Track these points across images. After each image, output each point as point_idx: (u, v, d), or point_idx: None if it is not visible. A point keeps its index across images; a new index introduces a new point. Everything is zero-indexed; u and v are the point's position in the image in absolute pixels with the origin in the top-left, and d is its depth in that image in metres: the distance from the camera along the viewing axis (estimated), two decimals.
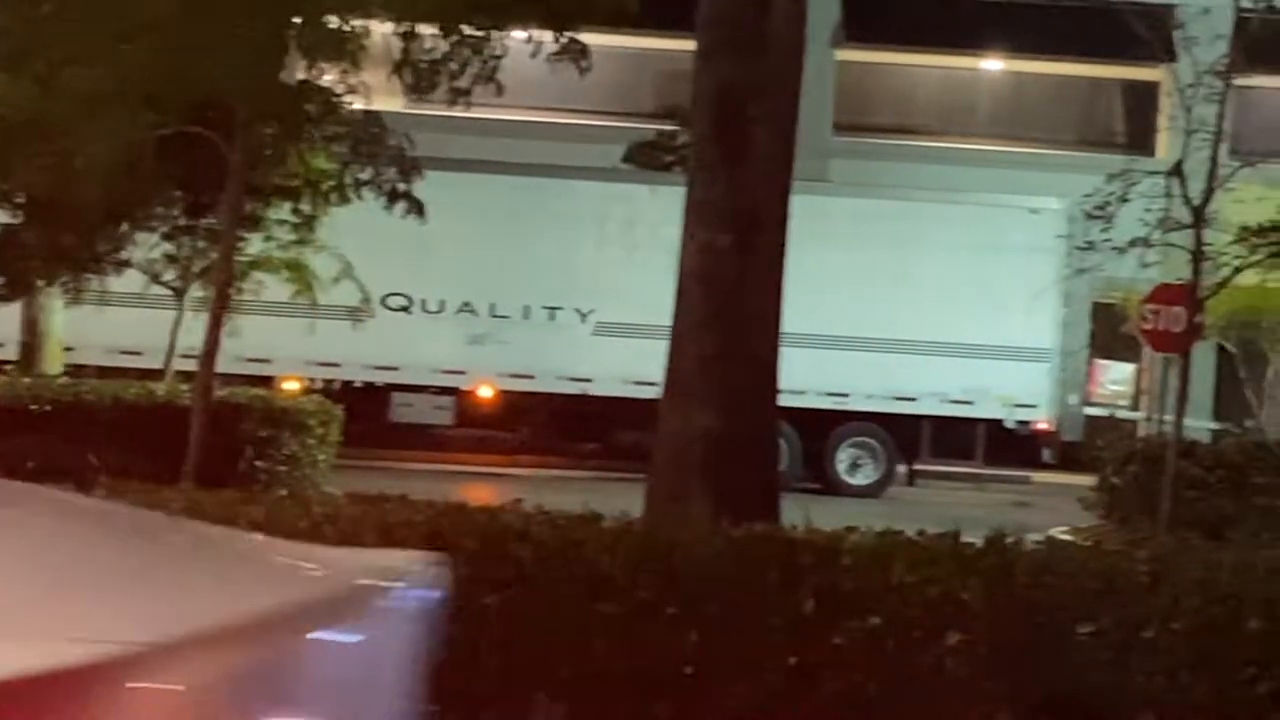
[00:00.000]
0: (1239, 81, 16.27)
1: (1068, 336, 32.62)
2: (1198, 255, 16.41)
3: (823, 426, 32.06)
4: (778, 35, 12.27)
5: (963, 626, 9.24)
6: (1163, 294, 25.96)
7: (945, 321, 31.35)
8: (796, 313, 33.81)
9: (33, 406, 22.12)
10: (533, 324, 32.21)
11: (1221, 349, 34.69)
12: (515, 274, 31.65)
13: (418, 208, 15.01)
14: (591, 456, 32.97)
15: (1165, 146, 39.25)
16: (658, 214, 32.08)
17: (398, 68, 11.64)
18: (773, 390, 13.02)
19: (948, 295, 31.28)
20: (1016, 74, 41.23)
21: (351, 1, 10.77)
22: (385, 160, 13.68)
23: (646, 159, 36.69)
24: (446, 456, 32.56)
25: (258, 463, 23.02)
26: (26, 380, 24.28)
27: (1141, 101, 40.15)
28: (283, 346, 29.39)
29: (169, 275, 24.33)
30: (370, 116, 14.10)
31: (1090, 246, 19.16)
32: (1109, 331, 35.56)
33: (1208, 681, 9.14)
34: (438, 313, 32.07)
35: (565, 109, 36.47)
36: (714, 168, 12.52)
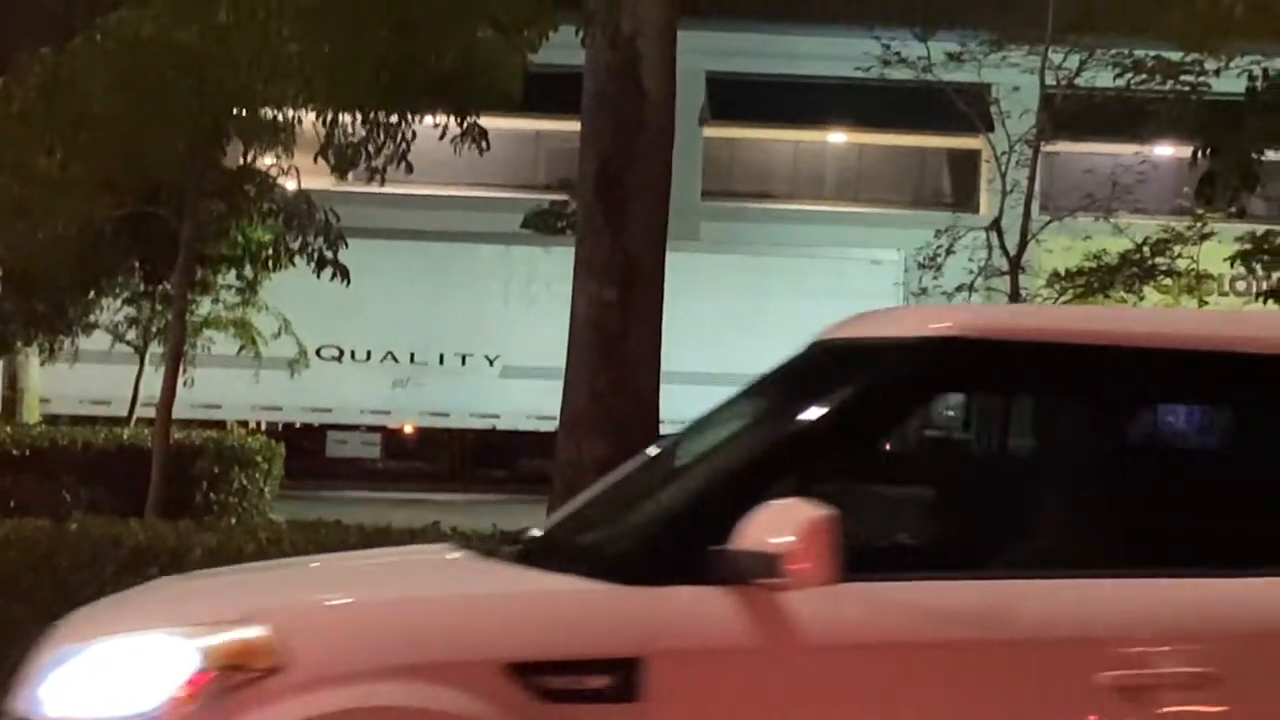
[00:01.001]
0: (1047, 148, 16.37)
1: None
2: (1014, 297, 16.56)
3: None
4: (651, 117, 12.28)
5: None
6: None
7: None
8: (674, 354, 33.65)
9: (14, 451, 21.87)
10: (447, 369, 32.14)
11: None
12: (432, 326, 31.58)
13: (343, 273, 14.96)
14: (500, 483, 32.91)
15: (986, 205, 39.63)
16: (552, 271, 32.09)
17: (322, 151, 11.57)
18: (655, 422, 13.00)
19: (802, 336, 31.30)
20: (858, 144, 41.42)
21: (280, 94, 10.74)
22: (314, 231, 13.62)
23: (542, 224, 36.68)
24: (376, 486, 32.38)
25: (211, 496, 22.85)
26: (8, 428, 24.04)
27: (965, 166, 40.40)
28: (231, 394, 29.14)
29: (131, 335, 24.15)
30: (301, 194, 14.06)
31: (923, 292, 19.30)
32: None
33: None
34: (365, 361, 31.96)
35: (472, 183, 36.33)
36: (598, 231, 12.52)
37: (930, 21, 16.76)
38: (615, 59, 11.27)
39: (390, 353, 31.96)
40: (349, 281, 16.73)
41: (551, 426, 32.18)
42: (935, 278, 18.33)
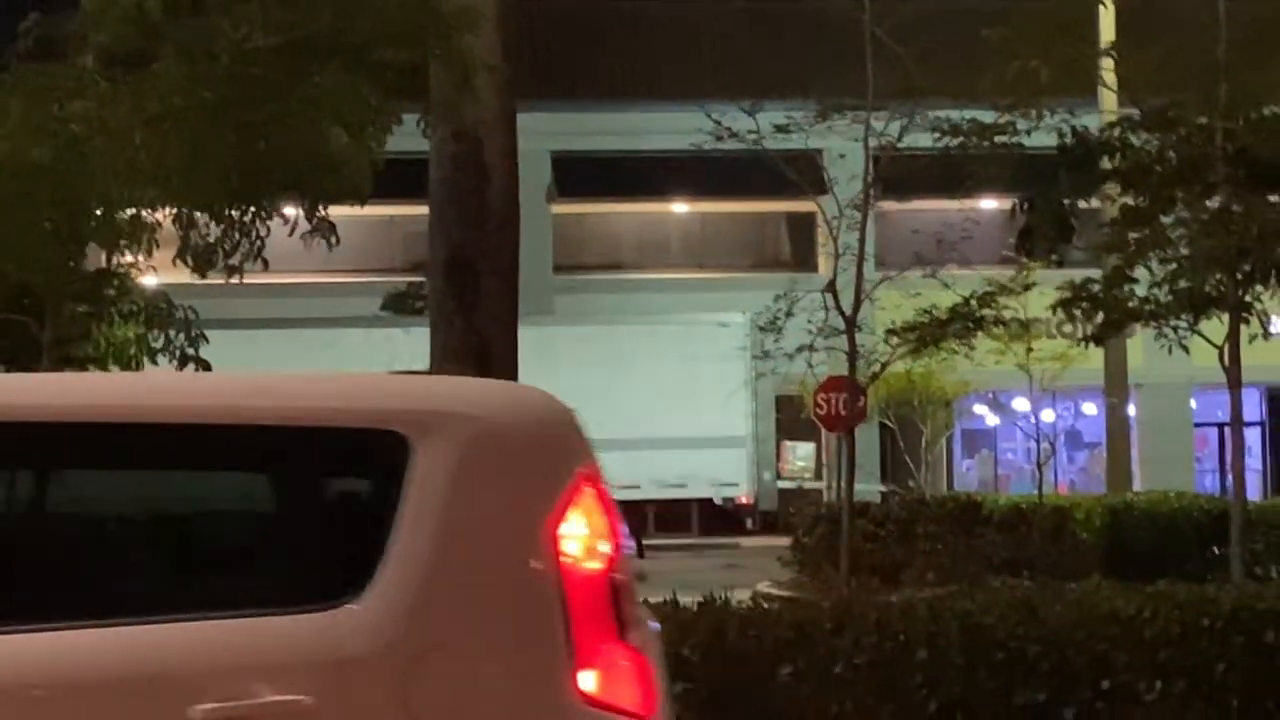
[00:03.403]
0: (877, 209, 16.58)
1: (759, 424, 33.00)
2: (852, 354, 16.72)
3: None
4: (496, 202, 12.35)
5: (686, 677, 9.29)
6: (831, 385, 26.39)
7: (658, 420, 31.58)
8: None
9: None
10: None
11: (884, 425, 35.25)
12: None
13: (205, 367, 14.84)
14: None
15: (825, 265, 40.05)
16: (414, 351, 32.04)
17: (180, 252, 11.54)
18: None
19: (658, 399, 31.55)
20: (699, 213, 41.76)
21: (137, 198, 10.69)
22: (175, 329, 13.56)
23: (401, 306, 36.75)
24: None
25: None
26: None
27: (802, 229, 40.84)
28: None
29: None
30: (159, 293, 13.99)
31: (766, 354, 19.49)
32: (791, 417, 36.06)
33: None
34: None
35: (331, 270, 36.25)
36: (451, 315, 12.57)
37: (758, 95, 16.93)
38: (458, 149, 11.32)
39: None
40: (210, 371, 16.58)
41: None
42: (776, 340, 18.49)
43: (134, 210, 10.83)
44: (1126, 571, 16.95)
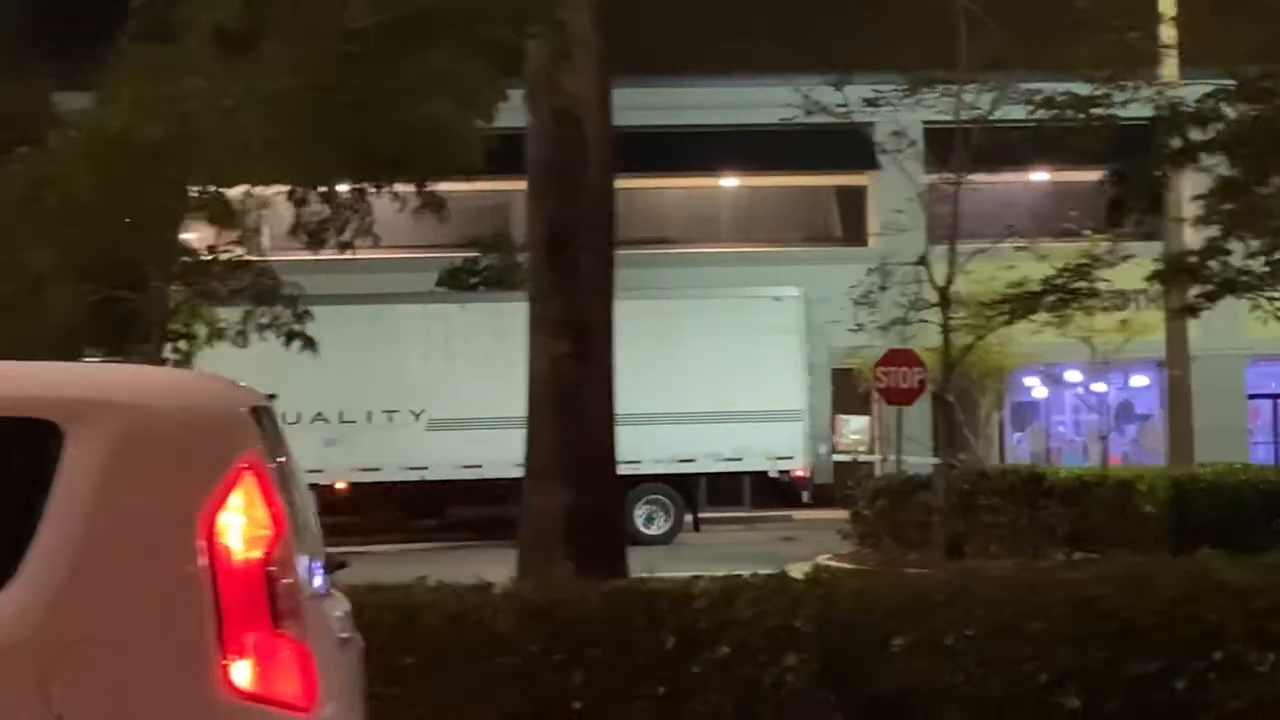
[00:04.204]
0: (968, 182, 16.39)
1: (814, 398, 32.95)
2: (946, 326, 16.60)
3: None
4: (593, 178, 12.39)
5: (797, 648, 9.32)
6: (892, 358, 26.42)
7: (714, 394, 31.57)
8: None
9: None
10: (375, 425, 32.06)
11: (936, 397, 35.13)
12: (358, 385, 31.38)
13: (310, 344, 14.96)
14: (430, 532, 32.93)
15: (875, 239, 39.93)
16: (470, 326, 32.26)
17: (294, 228, 11.62)
18: (613, 467, 13.08)
19: (714, 372, 31.53)
20: (748, 188, 41.71)
21: (247, 177, 10.76)
22: (281, 305, 13.64)
23: (456, 281, 36.84)
24: None
25: None
26: None
27: (853, 203, 40.80)
28: None
29: None
30: (266, 270, 14.05)
31: (860, 328, 19.42)
32: (846, 391, 36.07)
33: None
34: (295, 423, 31.69)
35: (385, 245, 36.32)
36: (550, 291, 12.63)
37: (846, 68, 16.76)
38: (557, 126, 11.36)
39: (320, 413, 31.79)
40: (316, 351, 16.66)
41: (479, 475, 32.40)
42: (871, 314, 18.46)
43: (245, 188, 10.93)
44: (1191, 544, 16.87)
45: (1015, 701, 9.28)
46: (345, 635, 6.21)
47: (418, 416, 32.14)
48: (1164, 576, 9.74)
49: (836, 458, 34.53)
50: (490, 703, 9.22)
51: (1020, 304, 16.90)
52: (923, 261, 15.90)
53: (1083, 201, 19.48)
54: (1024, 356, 31.53)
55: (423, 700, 9.19)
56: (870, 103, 15.91)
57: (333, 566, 6.75)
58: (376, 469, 32.12)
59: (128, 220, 10.54)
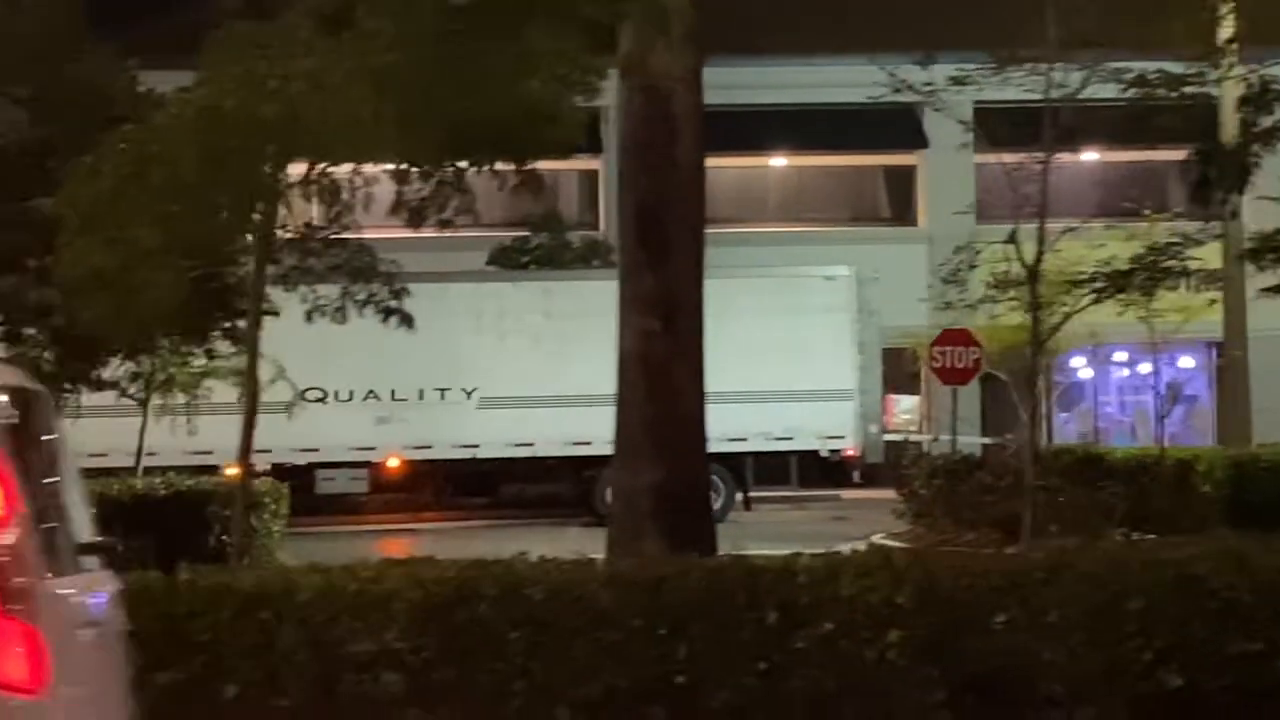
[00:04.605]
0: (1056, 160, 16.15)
1: (865, 377, 32.91)
2: (1035, 305, 16.40)
3: None
4: (684, 156, 12.43)
5: (901, 625, 9.38)
6: (947, 337, 26.42)
7: (765, 374, 31.50)
8: None
9: None
10: (427, 403, 32.09)
11: (984, 377, 35.12)
12: (410, 363, 31.37)
13: (408, 321, 15.05)
14: (481, 509, 33.05)
15: (924, 218, 39.93)
16: (521, 305, 32.31)
17: (395, 207, 11.69)
18: (703, 444, 13.12)
19: (766, 352, 31.45)
20: (796, 167, 41.65)
21: (352, 153, 10.81)
22: (379, 282, 13.80)
23: (507, 260, 36.86)
24: (363, 519, 32.40)
25: (224, 539, 22.74)
26: None
27: (902, 182, 40.75)
28: (220, 440, 28.88)
29: (133, 389, 23.98)
30: (363, 248, 14.17)
31: (947, 306, 19.33)
32: (896, 370, 36.06)
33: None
34: (348, 401, 31.88)
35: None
36: (640, 268, 12.66)
37: (927, 46, 16.59)
38: (648, 104, 11.41)
39: (372, 391, 31.91)
40: (412, 327, 16.73)
41: (529, 453, 32.45)
42: (961, 292, 18.41)
43: (350, 165, 11.01)
44: (1250, 525, 16.86)
45: (1116, 679, 9.34)
46: (100, 619, 6.12)
47: (469, 395, 32.18)
48: (1264, 555, 9.77)
49: (887, 437, 34.48)
50: (594, 677, 9.29)
51: (1111, 282, 16.79)
52: (1013, 240, 15.75)
53: (1158, 180, 19.40)
54: (1092, 335, 31.25)
55: (527, 674, 9.27)
56: (957, 81, 15.79)
57: (99, 550, 6.66)
58: (428, 446, 32.17)
59: (229, 198, 10.63)
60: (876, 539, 24.11)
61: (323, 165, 10.92)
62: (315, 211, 13.28)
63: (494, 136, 10.92)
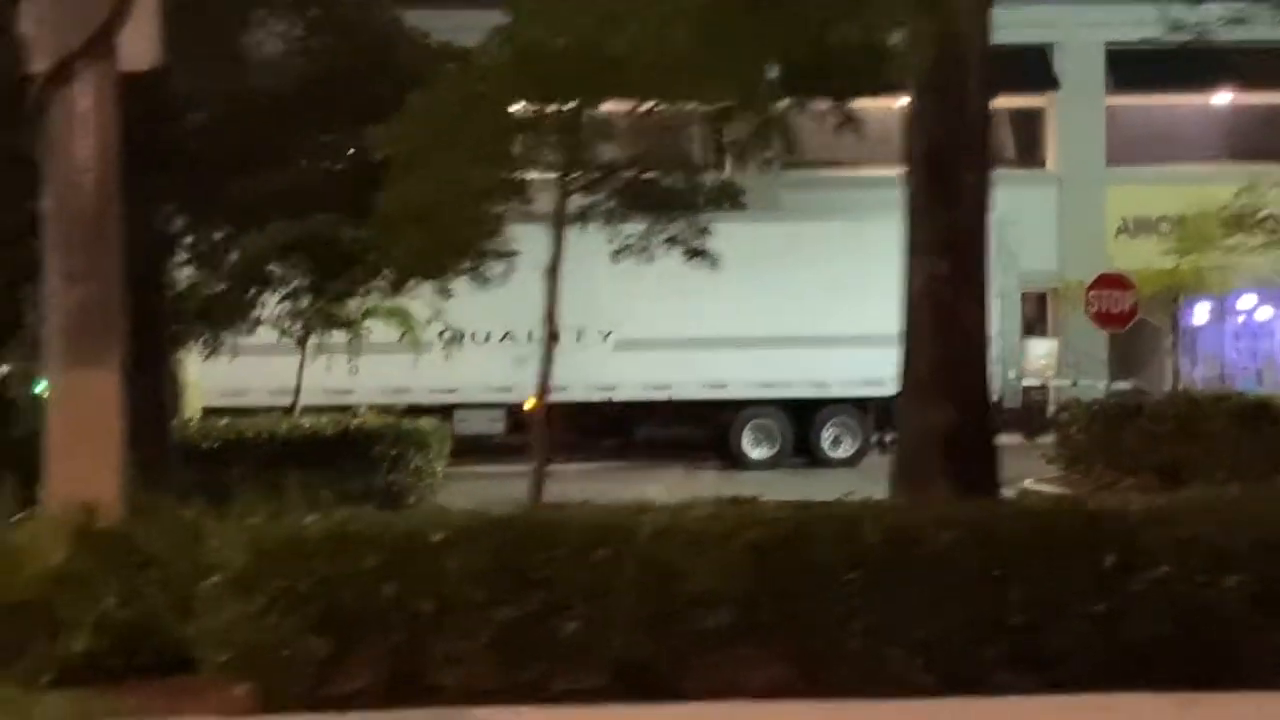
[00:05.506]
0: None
1: (1003, 322, 32.71)
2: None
3: (808, 412, 32.32)
4: (972, 99, 12.33)
5: (1239, 570, 9.31)
6: (1103, 281, 26.31)
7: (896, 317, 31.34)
8: (779, 320, 33.25)
9: (203, 445, 21.84)
10: (563, 345, 32.01)
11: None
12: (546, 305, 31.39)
13: (711, 261, 15.08)
14: (615, 451, 33.13)
15: (1053, 161, 39.68)
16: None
17: (720, 147, 11.65)
18: (987, 386, 13.07)
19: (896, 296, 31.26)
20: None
21: (673, 91, 10.73)
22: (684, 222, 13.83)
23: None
24: (500, 460, 32.47)
25: (391, 477, 22.86)
26: (190, 423, 24.02)
27: (1031, 124, 40.42)
28: (362, 379, 28.99)
29: (294, 328, 24.01)
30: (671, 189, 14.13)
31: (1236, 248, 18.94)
32: (1033, 315, 35.93)
33: None
34: (485, 342, 31.93)
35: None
36: (930, 211, 12.59)
37: None
38: (940, 48, 11.26)
39: (509, 333, 31.94)
40: (716, 267, 16.78)
41: (664, 395, 32.41)
42: (1252, 233, 18.18)
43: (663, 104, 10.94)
44: None
45: None
46: None
47: (605, 337, 32.19)
48: None
49: (1025, 382, 34.32)
50: (929, 618, 9.25)
51: None
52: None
53: None
54: (1251, 276, 30.84)
55: (865, 613, 9.24)
56: (1236, 20, 15.53)
57: None
58: (564, 388, 32.16)
59: (552, 137, 10.59)
60: (1028, 484, 24.02)
61: (646, 104, 10.86)
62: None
63: (821, 74, 10.82)
